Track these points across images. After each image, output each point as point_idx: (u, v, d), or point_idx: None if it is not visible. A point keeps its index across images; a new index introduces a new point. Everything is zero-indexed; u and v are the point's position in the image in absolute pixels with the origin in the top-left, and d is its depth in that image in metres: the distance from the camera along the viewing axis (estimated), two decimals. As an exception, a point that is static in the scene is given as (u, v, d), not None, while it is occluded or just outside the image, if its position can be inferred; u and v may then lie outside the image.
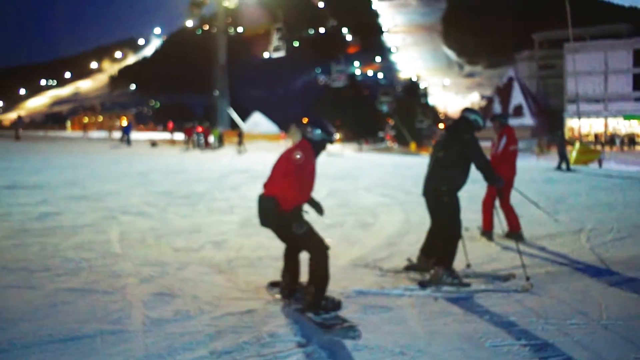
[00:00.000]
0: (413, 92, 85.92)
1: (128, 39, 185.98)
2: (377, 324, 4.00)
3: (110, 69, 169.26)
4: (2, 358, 3.26)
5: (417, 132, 63.21)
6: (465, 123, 5.36)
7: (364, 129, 65.54)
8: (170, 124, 43.57)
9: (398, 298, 4.64)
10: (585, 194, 11.71)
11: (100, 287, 4.63)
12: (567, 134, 49.64)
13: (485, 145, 5.48)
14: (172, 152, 26.76)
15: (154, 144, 32.49)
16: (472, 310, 4.36)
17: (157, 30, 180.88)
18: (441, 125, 69.04)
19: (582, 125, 43.08)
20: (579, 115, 33.95)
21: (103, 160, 19.18)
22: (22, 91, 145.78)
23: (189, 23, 63.28)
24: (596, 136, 57.79)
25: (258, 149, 31.69)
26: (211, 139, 33.03)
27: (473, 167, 5.21)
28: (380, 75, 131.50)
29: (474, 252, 6.00)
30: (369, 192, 11.82)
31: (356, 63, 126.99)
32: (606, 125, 60.56)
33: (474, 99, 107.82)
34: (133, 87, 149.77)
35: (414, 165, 20.10)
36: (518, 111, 62.65)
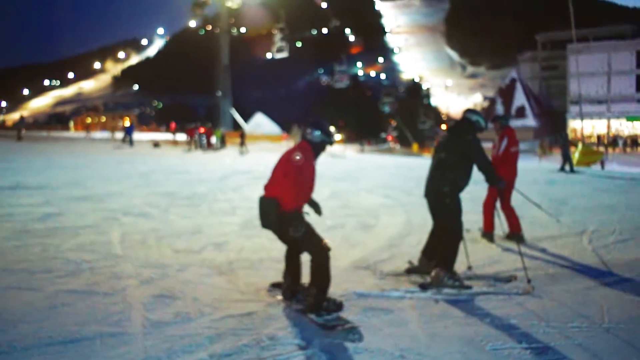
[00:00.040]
0: (415, 93, 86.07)
1: (131, 40, 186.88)
2: (377, 327, 3.99)
3: (113, 69, 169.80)
4: (1, 360, 3.26)
5: (419, 133, 63.27)
6: (467, 124, 5.35)
7: (366, 130, 65.57)
8: (173, 125, 43.63)
9: (399, 300, 4.62)
10: (587, 196, 11.67)
11: (100, 288, 4.62)
12: (570, 135, 49.51)
13: (487, 146, 5.46)
14: (175, 153, 26.79)
15: (156, 144, 32.52)
16: (473, 313, 4.35)
17: (160, 30, 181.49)
18: (443, 126, 69.02)
19: (584, 126, 42.95)
20: (582, 116, 33.89)
21: (105, 161, 19.20)
22: (26, 91, 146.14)
23: (192, 23, 63.28)
24: (599, 137, 57.68)
25: (260, 149, 31.69)
26: (213, 139, 33.07)
27: (475, 169, 5.20)
28: (382, 76, 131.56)
29: (475, 254, 5.98)
30: (370, 194, 11.81)
31: (359, 64, 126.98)
32: (609, 127, 60.46)
33: (476, 100, 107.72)
34: (136, 87, 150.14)
35: (416, 167, 20.08)
36: (520, 112, 62.59)
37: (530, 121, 61.99)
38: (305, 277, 4.40)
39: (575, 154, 22.83)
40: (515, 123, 51.21)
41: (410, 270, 5.41)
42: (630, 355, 3.62)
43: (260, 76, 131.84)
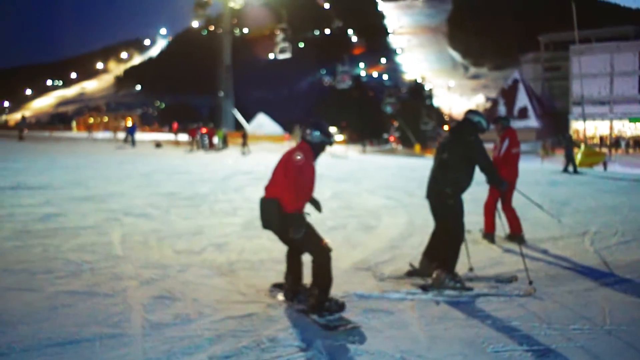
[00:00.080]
0: (418, 93, 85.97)
1: (134, 40, 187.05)
2: (378, 328, 3.97)
3: (116, 69, 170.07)
4: (0, 361, 3.25)
5: (421, 134, 63.17)
6: (469, 125, 5.34)
7: (368, 131, 65.56)
8: (175, 125, 43.63)
9: (399, 302, 4.61)
10: (589, 197, 11.64)
11: (101, 289, 4.61)
12: (573, 136, 49.41)
13: (488, 147, 5.45)
14: (177, 153, 26.79)
15: (158, 144, 32.52)
16: (474, 315, 4.33)
17: (163, 30, 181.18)
18: (446, 127, 68.96)
19: (587, 127, 42.86)
20: (584, 117, 33.88)
21: (107, 161, 19.20)
22: (28, 91, 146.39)
23: (195, 24, 63.40)
24: (601, 139, 57.60)
25: (262, 150, 31.66)
26: (215, 140, 33.07)
27: (477, 170, 5.18)
28: (385, 76, 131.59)
29: (476, 255, 5.96)
30: (372, 194, 11.79)
31: (361, 64, 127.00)
32: (611, 128, 60.35)
33: (478, 101, 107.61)
34: (138, 87, 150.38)
35: (418, 167, 20.05)
36: (523, 113, 62.56)
37: (532, 122, 61.96)
38: (307, 278, 4.39)
39: (578, 155, 22.78)
40: (517, 124, 51.24)
41: (412, 273, 5.39)
42: (632, 358, 3.60)
43: (262, 76, 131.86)
